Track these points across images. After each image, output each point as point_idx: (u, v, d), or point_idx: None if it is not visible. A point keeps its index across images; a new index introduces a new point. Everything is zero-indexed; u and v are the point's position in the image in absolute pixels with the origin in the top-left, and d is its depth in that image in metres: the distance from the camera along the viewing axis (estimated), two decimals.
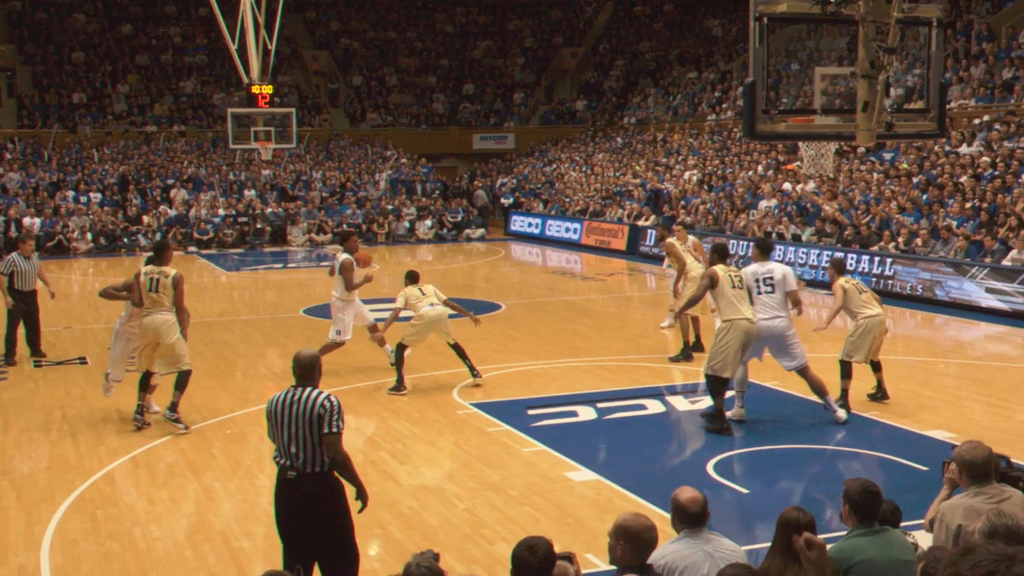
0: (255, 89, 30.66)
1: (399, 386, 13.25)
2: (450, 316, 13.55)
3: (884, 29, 7.92)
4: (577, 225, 33.44)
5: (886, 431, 11.35)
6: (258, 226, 34.48)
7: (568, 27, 50.94)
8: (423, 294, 13.50)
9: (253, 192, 36.40)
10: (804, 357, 11.57)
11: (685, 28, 48.90)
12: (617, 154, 38.95)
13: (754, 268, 11.68)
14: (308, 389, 6.60)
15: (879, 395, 12.27)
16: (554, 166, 40.94)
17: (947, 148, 24.48)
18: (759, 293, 11.43)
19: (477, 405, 12.59)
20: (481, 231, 36.59)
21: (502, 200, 39.81)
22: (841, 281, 12.21)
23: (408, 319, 13.57)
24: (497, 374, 13.86)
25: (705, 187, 30.49)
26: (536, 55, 49.87)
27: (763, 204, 26.57)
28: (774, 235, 24.90)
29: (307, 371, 6.70)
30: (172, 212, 34.60)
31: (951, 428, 11.18)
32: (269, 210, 35.31)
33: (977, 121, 25.42)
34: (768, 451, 10.86)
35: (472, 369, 13.51)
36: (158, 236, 32.88)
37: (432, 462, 10.67)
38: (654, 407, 12.43)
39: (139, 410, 11.83)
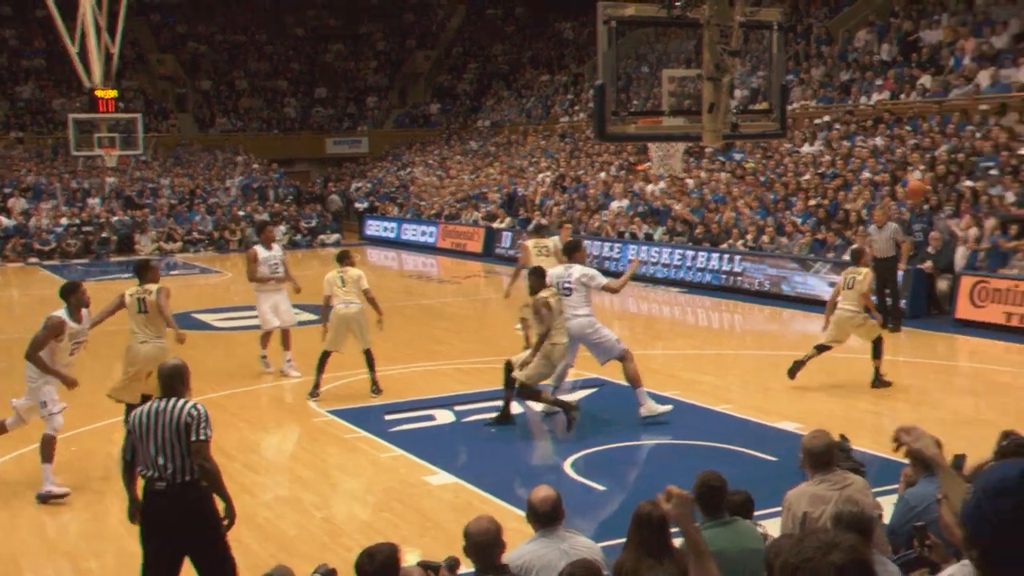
0: (98, 94, 29.66)
1: (314, 391, 12.92)
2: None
3: (728, 32, 8.10)
4: (433, 228, 33.38)
5: (738, 424, 11.63)
6: (104, 235, 33.39)
7: (421, 30, 50.83)
8: (343, 284, 12.77)
9: (98, 200, 35.23)
10: (618, 348, 11.77)
11: (537, 31, 49.32)
12: (471, 157, 39.03)
13: (559, 271, 11.94)
14: (174, 399, 6.52)
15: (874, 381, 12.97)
16: (408, 170, 40.80)
17: (791, 148, 25.26)
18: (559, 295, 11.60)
19: (334, 412, 12.42)
20: (336, 236, 36.20)
21: (356, 204, 39.48)
22: (844, 272, 13.15)
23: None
24: (354, 380, 13.69)
25: (559, 189, 30.80)
26: (389, 58, 49.63)
27: (615, 205, 26.99)
28: (627, 235, 25.32)
29: (170, 381, 6.62)
30: (10, 222, 33.16)
31: (799, 419, 11.50)
32: (115, 218, 34.21)
33: (818, 121, 26.29)
34: (624, 448, 11.01)
35: (374, 384, 13.10)
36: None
37: (288, 471, 10.48)
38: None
39: None
